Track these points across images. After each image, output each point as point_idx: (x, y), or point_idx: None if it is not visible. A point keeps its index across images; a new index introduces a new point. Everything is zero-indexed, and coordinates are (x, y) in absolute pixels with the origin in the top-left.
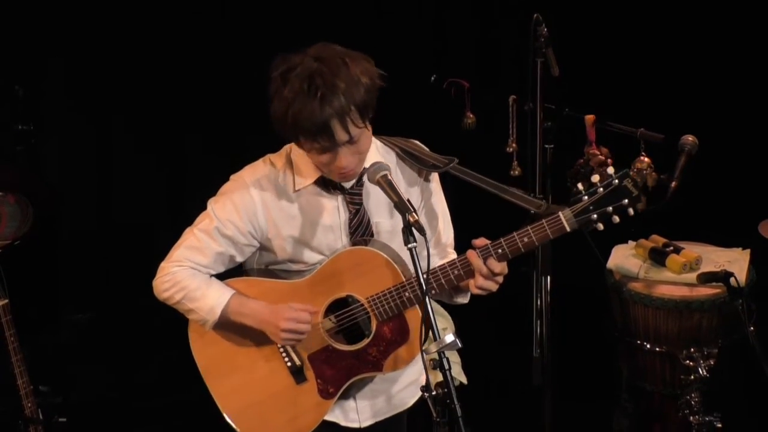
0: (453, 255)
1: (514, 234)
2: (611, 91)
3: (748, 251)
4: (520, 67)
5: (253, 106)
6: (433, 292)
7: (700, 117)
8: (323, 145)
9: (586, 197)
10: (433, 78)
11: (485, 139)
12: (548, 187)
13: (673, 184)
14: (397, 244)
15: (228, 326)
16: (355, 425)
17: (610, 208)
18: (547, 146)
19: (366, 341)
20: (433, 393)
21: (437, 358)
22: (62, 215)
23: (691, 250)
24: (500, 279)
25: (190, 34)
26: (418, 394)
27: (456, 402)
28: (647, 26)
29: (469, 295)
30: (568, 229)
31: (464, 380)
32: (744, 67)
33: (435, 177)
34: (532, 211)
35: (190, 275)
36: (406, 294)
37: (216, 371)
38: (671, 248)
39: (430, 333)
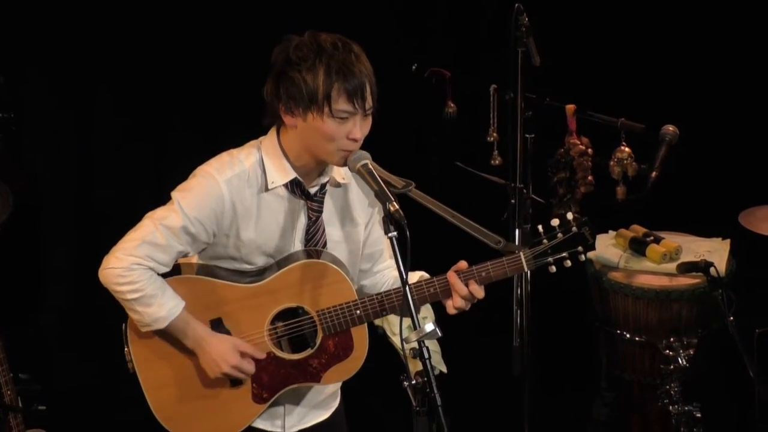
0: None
1: (488, 263)
2: (592, 81)
3: (728, 241)
4: (501, 56)
5: (238, 97)
6: (384, 313)
7: (681, 107)
8: (354, 108)
9: (545, 240)
10: (414, 67)
11: (466, 129)
12: (528, 177)
13: (654, 174)
14: (343, 254)
15: (169, 331)
16: (279, 431)
17: (566, 254)
18: (527, 135)
19: (309, 352)
20: (413, 382)
21: (417, 347)
22: (43, 203)
23: (671, 239)
24: (474, 301)
25: (172, 23)
26: (337, 402)
27: (436, 391)
28: (628, 16)
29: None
30: (525, 270)
31: (444, 369)
32: (724, 58)
33: None
34: (495, 247)
35: (149, 278)
36: (358, 312)
37: (150, 363)
38: (651, 238)
39: (410, 322)
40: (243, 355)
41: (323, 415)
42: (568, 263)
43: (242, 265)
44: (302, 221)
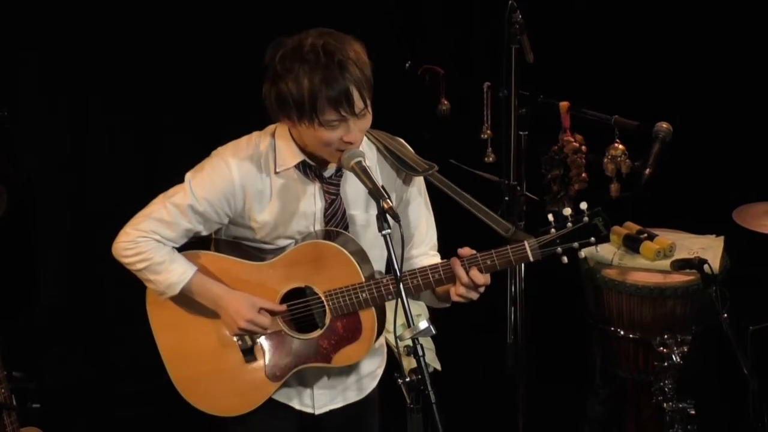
0: (436, 258)
1: (492, 251)
2: (586, 78)
3: (722, 238)
4: (494, 53)
5: (231, 92)
6: (390, 297)
7: (675, 104)
8: (342, 116)
9: (554, 230)
10: (407, 64)
11: (460, 126)
12: (522, 174)
13: (647, 171)
14: (370, 237)
15: (187, 297)
16: (309, 410)
17: (576, 244)
18: (521, 133)
19: (318, 333)
20: (407, 379)
21: (411, 344)
22: (37, 201)
23: (665, 236)
24: (482, 289)
25: (167, 23)
26: (374, 384)
27: (430, 388)
28: (621, 13)
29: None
30: (531, 259)
31: (438, 367)
32: (718, 55)
33: (417, 180)
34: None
35: (154, 247)
36: (363, 295)
37: (168, 333)
38: (645, 235)
39: (404, 319)
40: (260, 310)
41: (355, 397)
42: (582, 254)
43: (266, 245)
44: (319, 204)
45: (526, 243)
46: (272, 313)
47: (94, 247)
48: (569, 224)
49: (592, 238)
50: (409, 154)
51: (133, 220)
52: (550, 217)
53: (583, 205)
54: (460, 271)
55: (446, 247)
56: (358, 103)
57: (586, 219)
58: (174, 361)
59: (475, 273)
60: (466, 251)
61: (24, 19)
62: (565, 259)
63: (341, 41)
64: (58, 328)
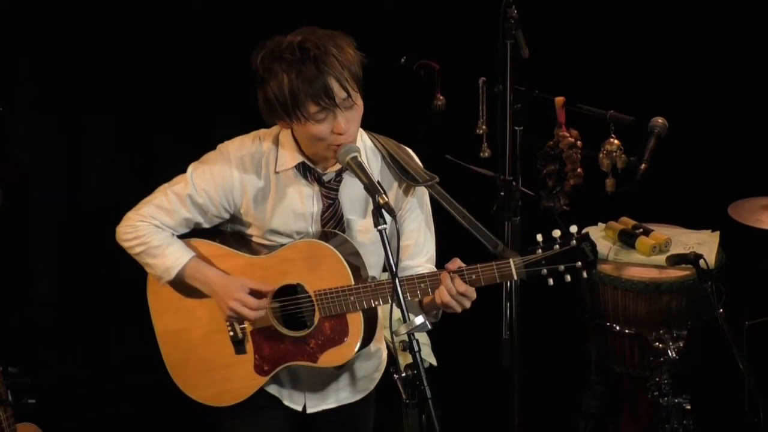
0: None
1: (478, 266)
2: (581, 73)
3: (717, 233)
4: (490, 49)
5: (223, 88)
6: (377, 302)
7: (670, 99)
8: (323, 107)
9: (540, 250)
10: (403, 60)
11: (455, 121)
12: (518, 169)
13: (643, 166)
14: (366, 243)
15: (184, 282)
16: (299, 409)
17: (562, 267)
18: (516, 128)
19: (306, 331)
20: (403, 375)
21: (407, 339)
22: (32, 196)
23: (661, 232)
24: (465, 302)
25: (162, 22)
26: (371, 386)
27: (426, 383)
28: (617, 8)
29: (438, 315)
30: (515, 278)
31: (434, 362)
32: (714, 50)
33: (419, 192)
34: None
35: (153, 232)
36: (351, 298)
37: (165, 317)
38: (641, 230)
39: (400, 314)
40: (251, 292)
41: (350, 398)
42: (568, 278)
43: (265, 240)
44: (316, 207)
45: (511, 261)
46: (262, 295)
47: (89, 243)
48: (556, 246)
49: (579, 263)
50: (413, 164)
51: (136, 207)
52: (539, 237)
53: (573, 228)
54: (447, 281)
55: (443, 255)
56: (339, 93)
57: (573, 242)
58: (168, 345)
59: (458, 282)
60: (454, 263)
61: (20, 17)
62: (551, 281)
63: (321, 37)
64: (54, 324)
